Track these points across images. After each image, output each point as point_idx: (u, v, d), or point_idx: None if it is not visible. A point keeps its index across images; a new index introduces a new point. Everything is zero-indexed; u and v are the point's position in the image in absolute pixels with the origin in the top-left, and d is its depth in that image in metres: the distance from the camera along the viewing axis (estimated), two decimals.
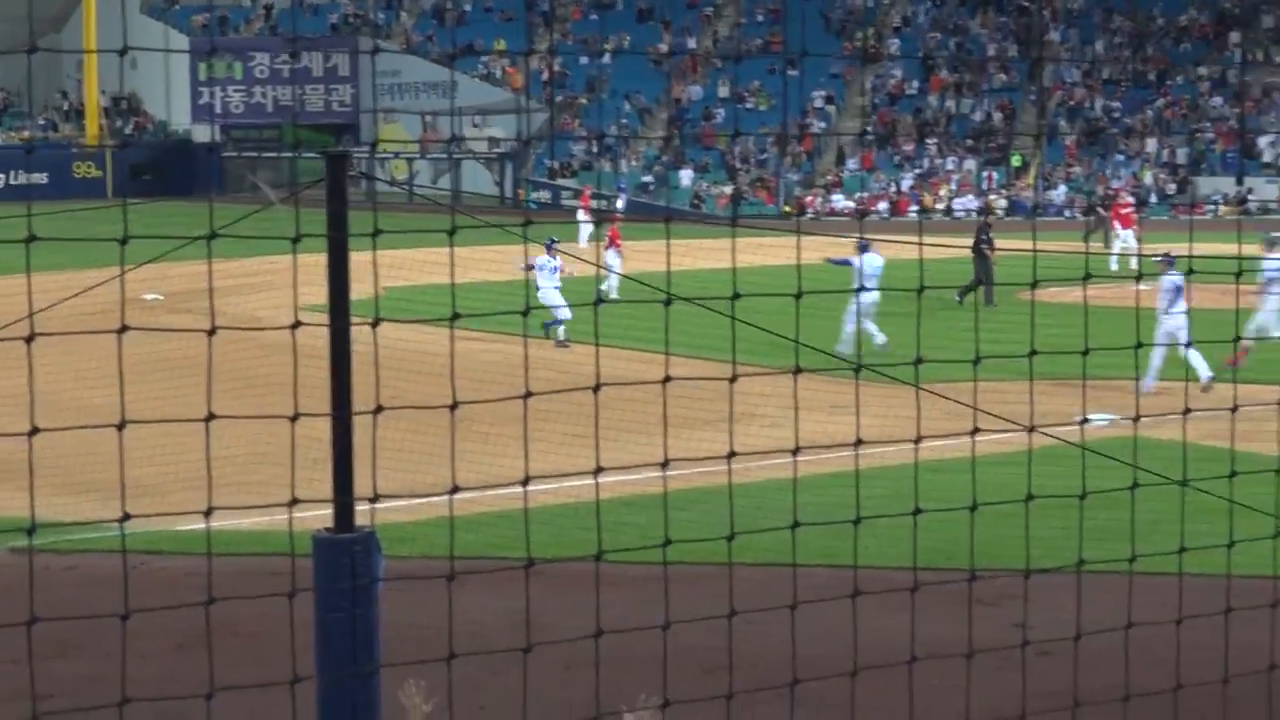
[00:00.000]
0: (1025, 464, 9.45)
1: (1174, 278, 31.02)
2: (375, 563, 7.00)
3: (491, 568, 14.17)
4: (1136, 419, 8.49)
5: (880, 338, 34.72)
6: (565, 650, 7.46)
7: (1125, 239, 56.58)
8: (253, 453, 17.64)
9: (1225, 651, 7.29)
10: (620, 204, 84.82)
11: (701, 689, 7.50)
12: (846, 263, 34.40)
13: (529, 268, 37.27)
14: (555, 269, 39.60)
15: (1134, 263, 53.08)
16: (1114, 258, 54.27)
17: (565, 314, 38.32)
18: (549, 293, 38.75)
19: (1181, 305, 30.30)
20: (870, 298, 34.16)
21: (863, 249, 34.65)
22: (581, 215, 69.37)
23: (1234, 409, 8.41)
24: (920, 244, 7.98)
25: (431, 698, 7.48)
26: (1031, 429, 7.96)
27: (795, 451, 7.30)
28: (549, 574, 13.89)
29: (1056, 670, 7.98)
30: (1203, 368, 30.19)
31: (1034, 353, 7.86)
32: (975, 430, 7.86)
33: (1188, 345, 29.35)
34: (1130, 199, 66.73)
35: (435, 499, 18.24)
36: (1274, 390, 9.99)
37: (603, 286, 43.86)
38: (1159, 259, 28.58)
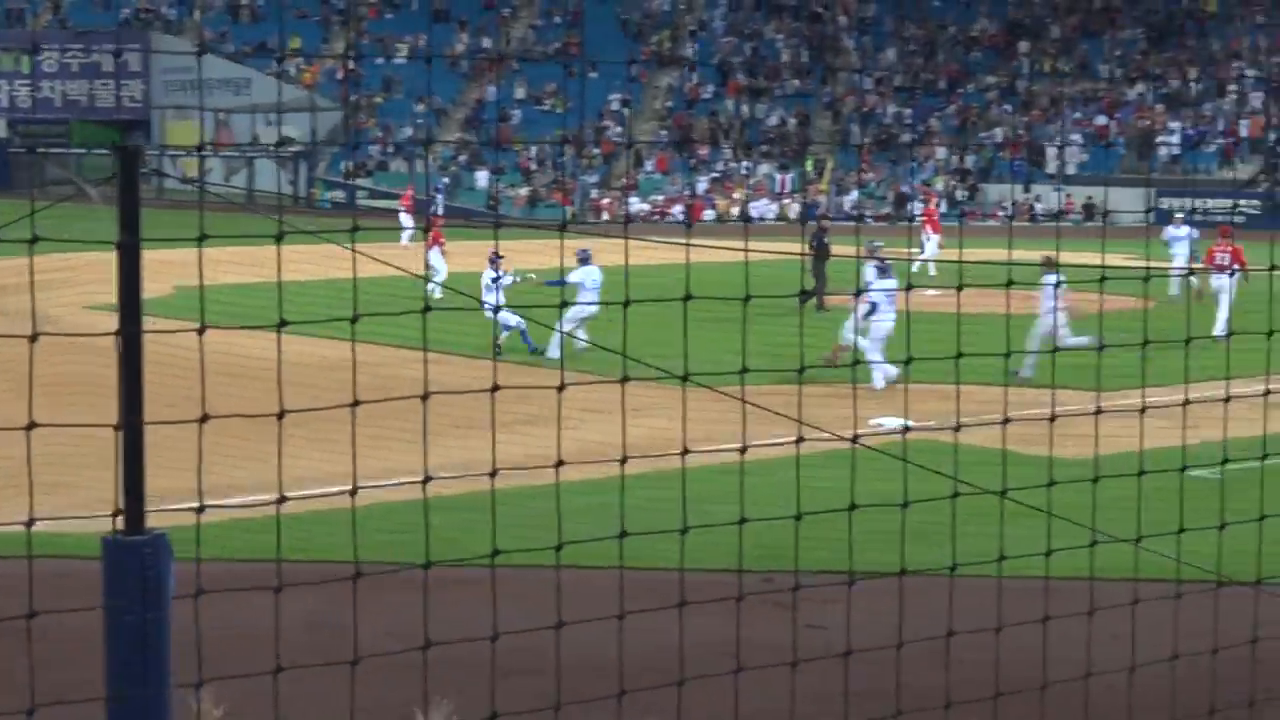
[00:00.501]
0: (838, 468, 9.49)
1: (1052, 279, 31.26)
2: (166, 566, 6.84)
3: (316, 575, 13.98)
4: (958, 428, 8.54)
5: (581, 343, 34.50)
6: (372, 653, 7.35)
7: (932, 243, 57.00)
8: (41, 454, 17.22)
9: (1044, 655, 7.36)
10: (440, 205, 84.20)
11: (504, 692, 7.43)
12: (560, 282, 33.93)
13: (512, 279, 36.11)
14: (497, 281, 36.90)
15: (932, 268, 53.82)
16: (930, 264, 54.89)
17: (517, 322, 36.11)
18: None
19: (1061, 304, 30.70)
20: (590, 310, 34.10)
21: (583, 261, 35.21)
22: (404, 217, 68.76)
23: (1052, 419, 8.50)
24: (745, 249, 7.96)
25: (221, 703, 7.33)
26: (800, 440, 7.98)
27: (623, 462, 7.28)
28: (443, 581, 13.73)
29: (877, 674, 8.02)
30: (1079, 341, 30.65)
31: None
32: (800, 440, 7.87)
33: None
34: (935, 204, 67.56)
35: (229, 502, 17.98)
36: (1089, 395, 10.11)
37: (429, 287, 43.66)
38: (1040, 262, 28.89)
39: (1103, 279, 9.03)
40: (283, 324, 6.70)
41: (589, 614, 7.30)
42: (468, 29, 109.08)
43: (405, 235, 62.08)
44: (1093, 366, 9.67)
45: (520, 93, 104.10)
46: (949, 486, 10.77)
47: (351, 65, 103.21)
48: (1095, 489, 8.48)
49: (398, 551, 12.59)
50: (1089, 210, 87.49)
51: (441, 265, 46.59)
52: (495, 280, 36.80)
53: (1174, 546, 9.21)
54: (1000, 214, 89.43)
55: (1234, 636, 8.86)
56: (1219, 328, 35.97)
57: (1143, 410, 9.12)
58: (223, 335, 7.77)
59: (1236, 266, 40.99)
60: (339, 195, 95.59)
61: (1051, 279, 31.01)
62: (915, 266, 52.38)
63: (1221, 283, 40.54)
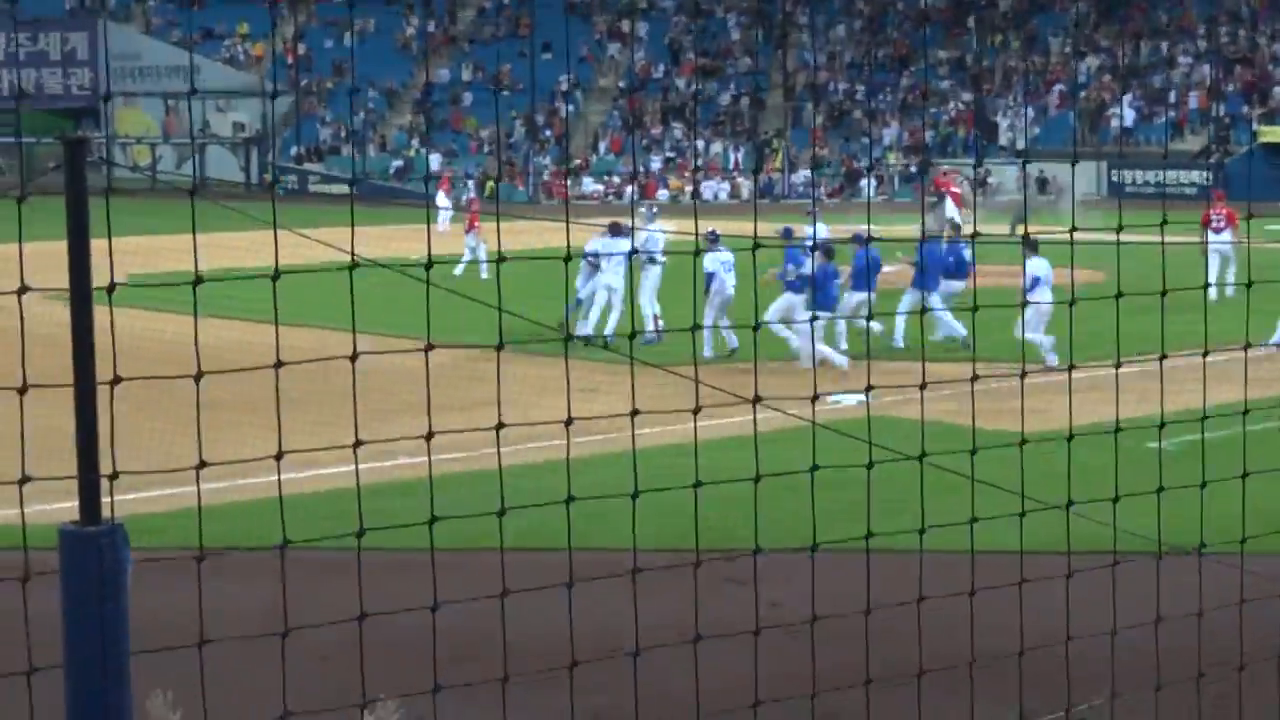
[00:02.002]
0: (775, 444, 9.59)
1: (1037, 263, 30.83)
2: (124, 556, 6.90)
3: (242, 558, 14.05)
4: (924, 385, 8.66)
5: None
6: (321, 642, 7.43)
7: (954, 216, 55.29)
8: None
9: (971, 630, 7.46)
10: (472, 190, 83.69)
11: (455, 676, 7.52)
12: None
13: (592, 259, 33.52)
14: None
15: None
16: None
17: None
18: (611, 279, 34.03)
19: (1046, 293, 30.17)
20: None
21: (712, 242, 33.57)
22: (441, 199, 69.07)
23: (973, 378, 8.60)
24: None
25: (179, 708, 7.39)
26: (756, 400, 8.07)
27: (568, 422, 7.34)
28: (303, 563, 13.78)
29: (803, 650, 8.11)
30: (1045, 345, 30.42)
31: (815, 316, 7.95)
32: (698, 408, 7.96)
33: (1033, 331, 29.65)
34: (955, 176, 64.58)
35: (184, 490, 18.01)
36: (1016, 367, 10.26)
37: (456, 271, 44.19)
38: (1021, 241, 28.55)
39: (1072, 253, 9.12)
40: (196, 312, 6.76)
41: (539, 594, 7.39)
42: (416, 12, 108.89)
43: (443, 217, 61.91)
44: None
45: (468, 75, 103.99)
46: (905, 462, 10.88)
47: (301, 49, 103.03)
48: (1021, 458, 8.57)
49: (353, 538, 12.65)
50: (1041, 184, 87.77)
51: (480, 246, 47.34)
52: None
53: (1107, 515, 9.34)
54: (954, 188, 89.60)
55: (1181, 606, 9.00)
56: (1216, 289, 36.40)
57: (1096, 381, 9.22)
58: (183, 323, 7.84)
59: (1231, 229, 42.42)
60: (291, 180, 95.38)
61: (1038, 263, 30.78)
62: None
63: (1222, 247, 41.42)
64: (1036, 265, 30.55)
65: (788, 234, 31.47)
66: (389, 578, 10.55)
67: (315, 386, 21.87)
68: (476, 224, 49.70)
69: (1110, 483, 8.80)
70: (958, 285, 33.15)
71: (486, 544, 12.07)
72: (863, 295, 30.23)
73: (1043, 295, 29.53)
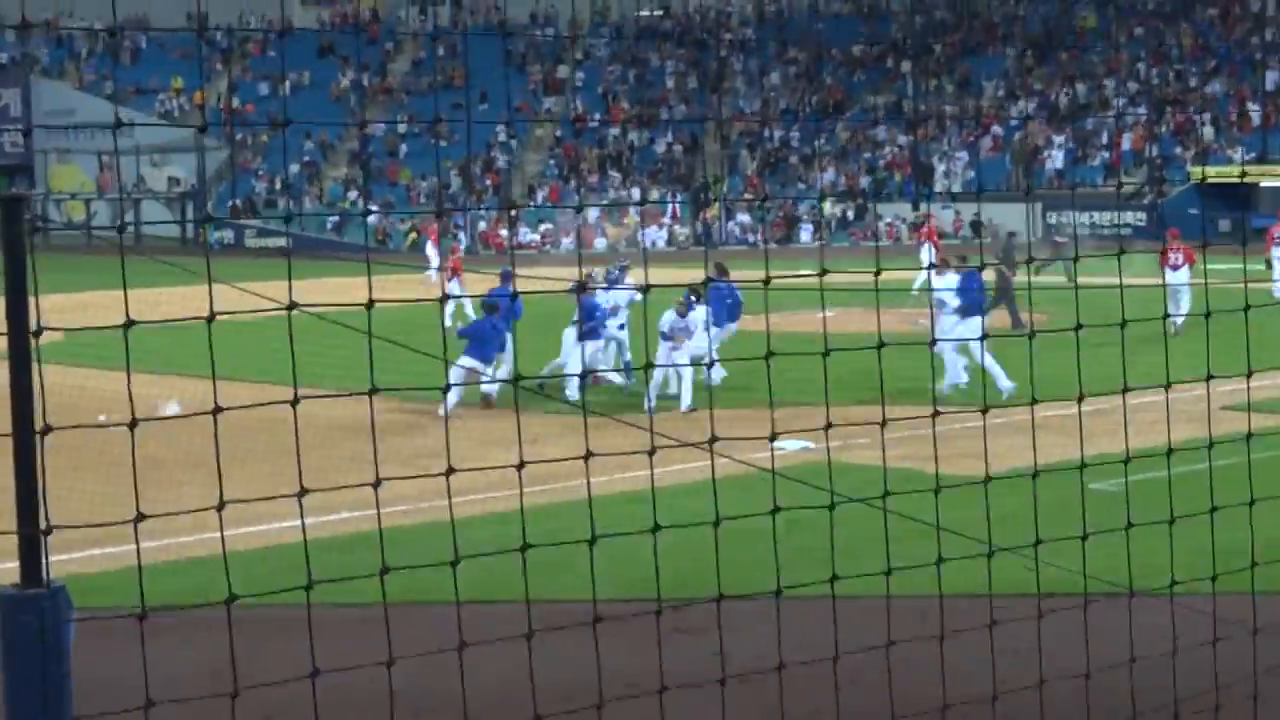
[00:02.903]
0: (723, 491, 9.46)
1: (950, 279, 31.38)
2: (65, 619, 6.72)
3: (186, 617, 13.81)
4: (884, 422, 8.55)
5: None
6: (269, 698, 7.25)
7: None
8: None
9: (942, 674, 7.34)
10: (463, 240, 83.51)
11: None
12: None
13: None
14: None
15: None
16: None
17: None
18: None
19: (974, 317, 30.37)
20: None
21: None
22: (430, 250, 69.85)
23: (934, 414, 8.50)
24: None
25: None
26: (712, 440, 7.94)
27: (520, 466, 7.19)
28: (250, 621, 13.57)
29: (760, 698, 7.97)
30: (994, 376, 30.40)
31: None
32: (653, 450, 7.83)
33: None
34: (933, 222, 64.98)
35: (125, 548, 17.76)
36: (971, 412, 10.18)
37: (446, 322, 43.57)
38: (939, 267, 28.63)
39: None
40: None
41: (493, 647, 7.23)
42: (352, 64, 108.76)
43: (434, 268, 62.04)
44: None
45: (404, 127, 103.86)
46: (856, 509, 10.77)
47: (236, 103, 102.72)
48: (988, 502, 8.49)
49: (301, 593, 12.45)
50: (976, 227, 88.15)
51: (462, 293, 47.07)
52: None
53: (1055, 557, 9.23)
54: (895, 232, 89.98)
55: (1113, 651, 8.89)
56: (1177, 323, 36.73)
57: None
58: (117, 380, 7.65)
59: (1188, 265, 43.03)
60: (227, 235, 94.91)
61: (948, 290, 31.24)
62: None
63: (1179, 281, 41.71)
64: (948, 281, 31.27)
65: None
66: (340, 633, 10.37)
67: (256, 442, 21.66)
68: (460, 272, 50.01)
69: (1064, 525, 8.70)
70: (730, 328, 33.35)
71: (439, 597, 11.89)
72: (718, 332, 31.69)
73: (960, 316, 30.42)
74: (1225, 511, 9.11)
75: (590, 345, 32.16)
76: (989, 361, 29.89)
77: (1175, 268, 42.55)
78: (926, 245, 55.89)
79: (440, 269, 56.50)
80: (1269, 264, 49.31)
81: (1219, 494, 9.32)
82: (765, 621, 8.16)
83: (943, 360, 31.43)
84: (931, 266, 24.07)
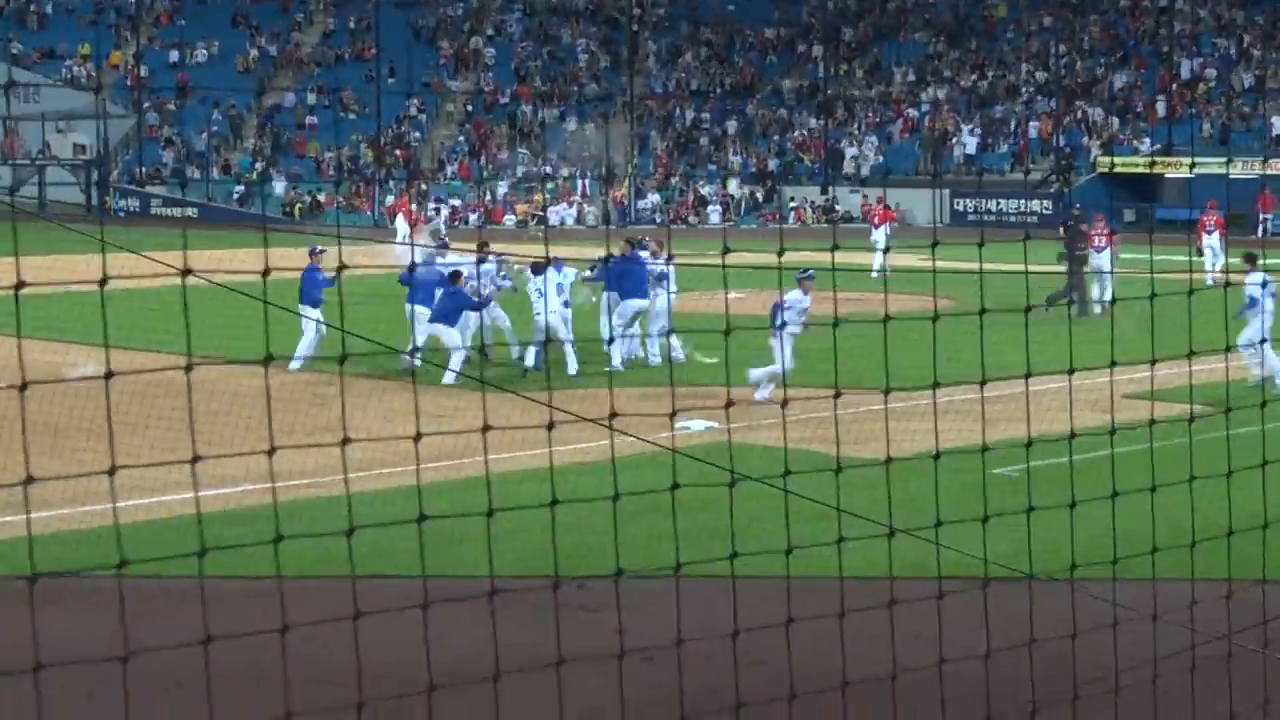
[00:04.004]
0: (626, 470, 9.43)
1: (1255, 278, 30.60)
2: None
3: (81, 586, 13.66)
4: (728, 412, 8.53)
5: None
6: (164, 667, 7.15)
7: (877, 238, 55.20)
8: None
9: (842, 654, 7.32)
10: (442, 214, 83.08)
11: (317, 699, 7.27)
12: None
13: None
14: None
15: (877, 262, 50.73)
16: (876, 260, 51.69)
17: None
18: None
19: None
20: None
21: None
22: (400, 222, 71.43)
23: (837, 394, 8.47)
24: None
25: None
26: (611, 416, 7.90)
27: (417, 438, 7.10)
28: (144, 590, 13.44)
29: (660, 676, 7.94)
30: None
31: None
32: (551, 424, 7.77)
33: None
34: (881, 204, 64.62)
35: (14, 518, 17.56)
36: (876, 396, 10.18)
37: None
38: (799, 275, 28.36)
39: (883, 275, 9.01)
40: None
41: (389, 621, 7.15)
42: (262, 34, 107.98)
43: (400, 238, 62.69)
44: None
45: (313, 99, 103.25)
46: (757, 491, 10.77)
47: (143, 71, 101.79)
48: (890, 486, 8.49)
49: (194, 564, 12.34)
50: (869, 213, 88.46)
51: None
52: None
53: (956, 540, 9.24)
54: (803, 216, 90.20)
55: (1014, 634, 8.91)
56: (1100, 307, 37.90)
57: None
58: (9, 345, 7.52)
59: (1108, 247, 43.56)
60: (133, 203, 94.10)
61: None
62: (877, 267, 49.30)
63: (1102, 263, 42.54)
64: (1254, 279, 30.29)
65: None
66: (236, 605, 10.27)
67: (152, 410, 21.47)
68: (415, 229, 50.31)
69: (968, 510, 8.70)
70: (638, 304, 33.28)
71: (337, 570, 11.82)
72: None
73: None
74: (1126, 497, 9.14)
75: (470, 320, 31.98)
76: None
77: (1099, 250, 43.27)
78: (884, 226, 56.31)
79: (404, 242, 56.91)
80: (1199, 252, 50.02)
81: (1121, 480, 9.36)
82: (665, 599, 8.13)
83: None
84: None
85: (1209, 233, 51.79)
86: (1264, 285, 29.64)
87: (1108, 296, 39.33)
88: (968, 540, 9.46)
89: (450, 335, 31.25)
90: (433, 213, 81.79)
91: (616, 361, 31.54)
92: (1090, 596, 10.26)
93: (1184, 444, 9.06)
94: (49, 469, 6.86)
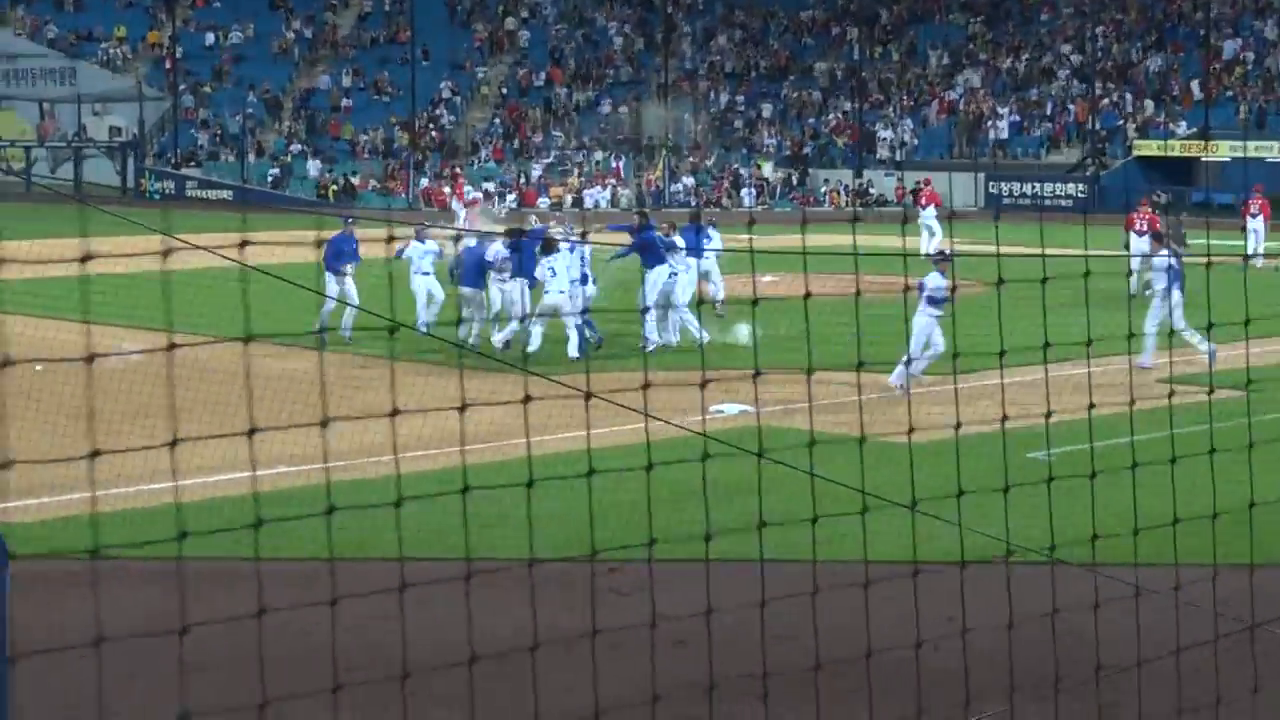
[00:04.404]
0: (661, 456, 9.55)
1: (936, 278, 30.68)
2: (1, 567, 6.78)
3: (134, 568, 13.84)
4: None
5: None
6: (136, 654, 7.29)
7: (927, 220, 55.44)
8: None
9: (867, 632, 7.46)
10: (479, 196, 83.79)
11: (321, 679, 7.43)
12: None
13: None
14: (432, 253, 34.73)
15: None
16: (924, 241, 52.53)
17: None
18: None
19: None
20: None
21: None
22: (456, 204, 72.24)
23: (758, 374, 8.60)
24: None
25: None
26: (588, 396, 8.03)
27: (461, 408, 7.24)
28: (195, 573, 13.62)
29: (693, 659, 8.08)
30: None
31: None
32: (589, 395, 7.90)
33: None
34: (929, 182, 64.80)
35: (69, 498, 17.77)
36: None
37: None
38: (933, 257, 28.09)
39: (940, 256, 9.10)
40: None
41: (432, 598, 7.30)
42: (297, 17, 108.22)
43: (460, 221, 62.39)
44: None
45: (348, 81, 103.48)
46: (788, 474, 10.89)
47: (178, 53, 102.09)
48: (860, 469, 8.59)
49: (230, 545, 12.54)
50: (917, 195, 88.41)
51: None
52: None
53: (989, 525, 9.35)
54: (836, 199, 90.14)
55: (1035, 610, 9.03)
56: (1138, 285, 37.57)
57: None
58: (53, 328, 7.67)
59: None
60: (168, 186, 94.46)
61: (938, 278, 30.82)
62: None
63: (1142, 247, 42.32)
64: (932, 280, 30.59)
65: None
66: (280, 585, 10.43)
67: (203, 393, 21.66)
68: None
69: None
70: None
71: (377, 553, 11.96)
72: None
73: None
74: (1148, 480, 9.25)
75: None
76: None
77: (1141, 234, 43.35)
78: (930, 208, 56.42)
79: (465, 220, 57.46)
80: (1245, 234, 50.51)
81: (1142, 462, 9.46)
82: (696, 581, 8.26)
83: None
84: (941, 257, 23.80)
85: (1254, 215, 52.12)
86: (1168, 269, 30.09)
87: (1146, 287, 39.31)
88: (992, 522, 9.56)
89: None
90: (480, 195, 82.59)
91: (654, 338, 31.98)
92: (1110, 579, 10.37)
93: (1205, 429, 9.16)
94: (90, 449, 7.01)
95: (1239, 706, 10.56)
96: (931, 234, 53.38)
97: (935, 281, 27.74)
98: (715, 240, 37.80)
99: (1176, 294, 30.11)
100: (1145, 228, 43.71)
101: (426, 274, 34.09)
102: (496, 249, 32.38)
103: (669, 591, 10.90)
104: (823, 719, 8.73)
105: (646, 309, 32.54)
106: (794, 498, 11.92)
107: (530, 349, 31.22)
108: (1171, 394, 10.77)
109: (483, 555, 12.92)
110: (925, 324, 27.40)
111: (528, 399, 6.93)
